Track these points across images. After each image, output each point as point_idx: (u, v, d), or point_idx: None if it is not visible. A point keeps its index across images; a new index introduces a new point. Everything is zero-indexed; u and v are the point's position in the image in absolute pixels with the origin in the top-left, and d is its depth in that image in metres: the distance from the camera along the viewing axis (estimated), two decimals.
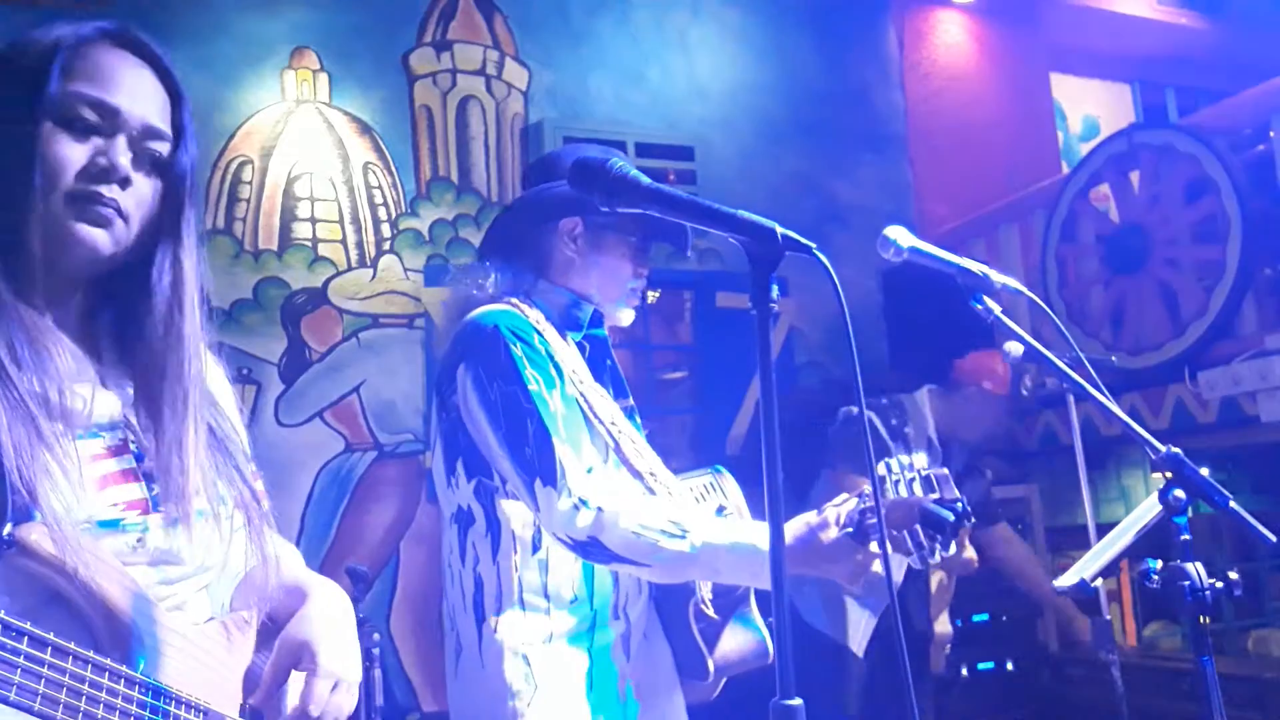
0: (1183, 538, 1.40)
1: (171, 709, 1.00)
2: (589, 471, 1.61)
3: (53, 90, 1.01)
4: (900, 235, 1.47)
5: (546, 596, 1.70)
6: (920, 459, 1.53)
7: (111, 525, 1.00)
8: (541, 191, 1.84)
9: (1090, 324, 4.03)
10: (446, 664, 1.79)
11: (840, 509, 1.52)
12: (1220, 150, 3.59)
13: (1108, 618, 3.18)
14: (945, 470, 1.51)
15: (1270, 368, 3.32)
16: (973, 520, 1.48)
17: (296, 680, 1.13)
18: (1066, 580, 1.70)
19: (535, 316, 1.74)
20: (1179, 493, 1.41)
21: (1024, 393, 3.25)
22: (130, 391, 1.07)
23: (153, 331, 1.07)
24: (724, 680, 1.82)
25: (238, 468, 1.14)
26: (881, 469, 1.55)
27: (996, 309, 1.54)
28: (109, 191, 1.01)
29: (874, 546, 1.49)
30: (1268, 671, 3.26)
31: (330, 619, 1.18)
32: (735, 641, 1.78)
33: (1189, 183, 3.70)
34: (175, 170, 1.08)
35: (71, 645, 0.91)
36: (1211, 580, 1.39)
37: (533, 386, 1.63)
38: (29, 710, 0.86)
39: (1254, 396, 3.40)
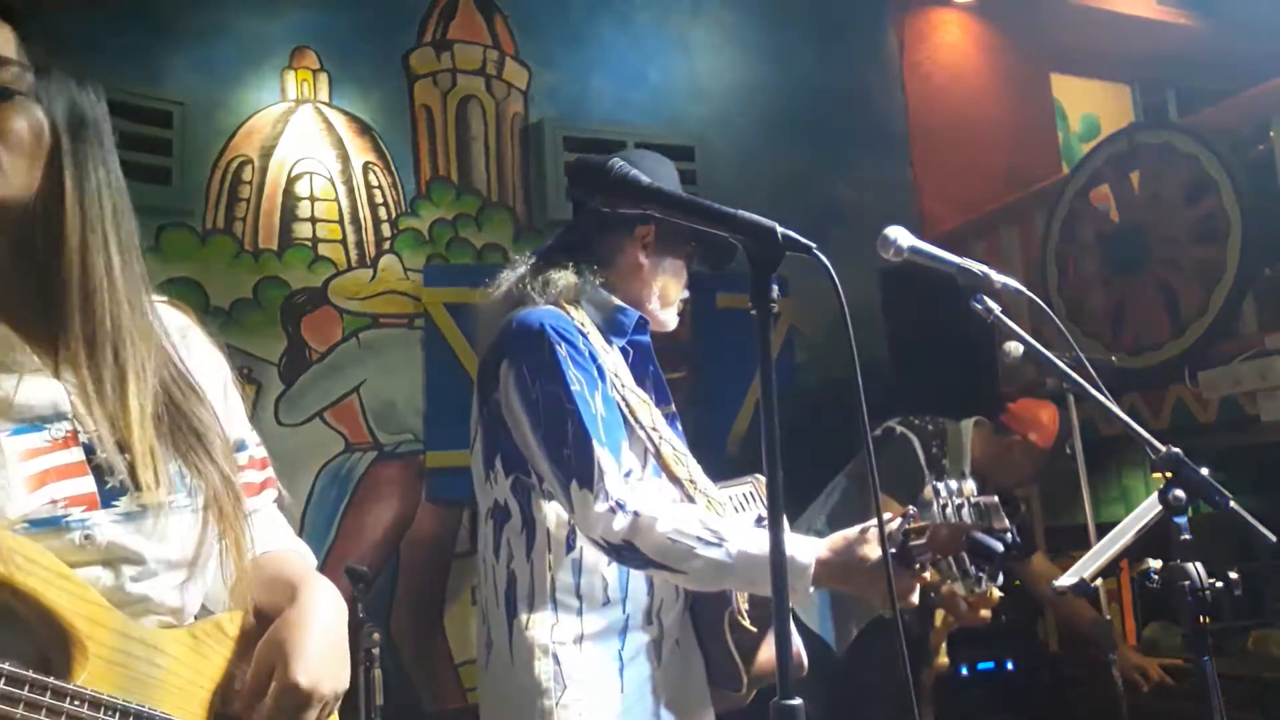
0: (1183, 538, 1.40)
1: None
2: (627, 475, 1.60)
3: None
4: (900, 235, 1.46)
5: (579, 597, 1.69)
6: (969, 486, 1.51)
7: (51, 524, 0.92)
8: None
9: (1090, 324, 4.03)
10: (478, 658, 1.79)
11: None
12: (1220, 150, 3.59)
13: (1108, 618, 3.18)
14: (995, 499, 1.49)
15: (1270, 368, 3.32)
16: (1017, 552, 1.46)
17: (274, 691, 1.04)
18: (1066, 580, 1.70)
19: (580, 319, 1.73)
20: (1179, 493, 1.41)
21: (1067, 450, 3.16)
22: (75, 378, 0.99)
23: (66, 290, 0.97)
24: (755, 690, 1.81)
25: (211, 457, 1.05)
26: (929, 492, 1.53)
27: (996, 309, 1.54)
28: None
29: (919, 570, 1.47)
30: (1268, 671, 3.26)
31: (315, 624, 1.07)
32: (771, 652, 1.77)
33: (1189, 183, 3.70)
34: (48, 99, 0.98)
35: (5, 666, 0.83)
36: (1211, 580, 1.39)
37: (575, 387, 1.62)
38: None
39: (1254, 396, 3.40)
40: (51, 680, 0.86)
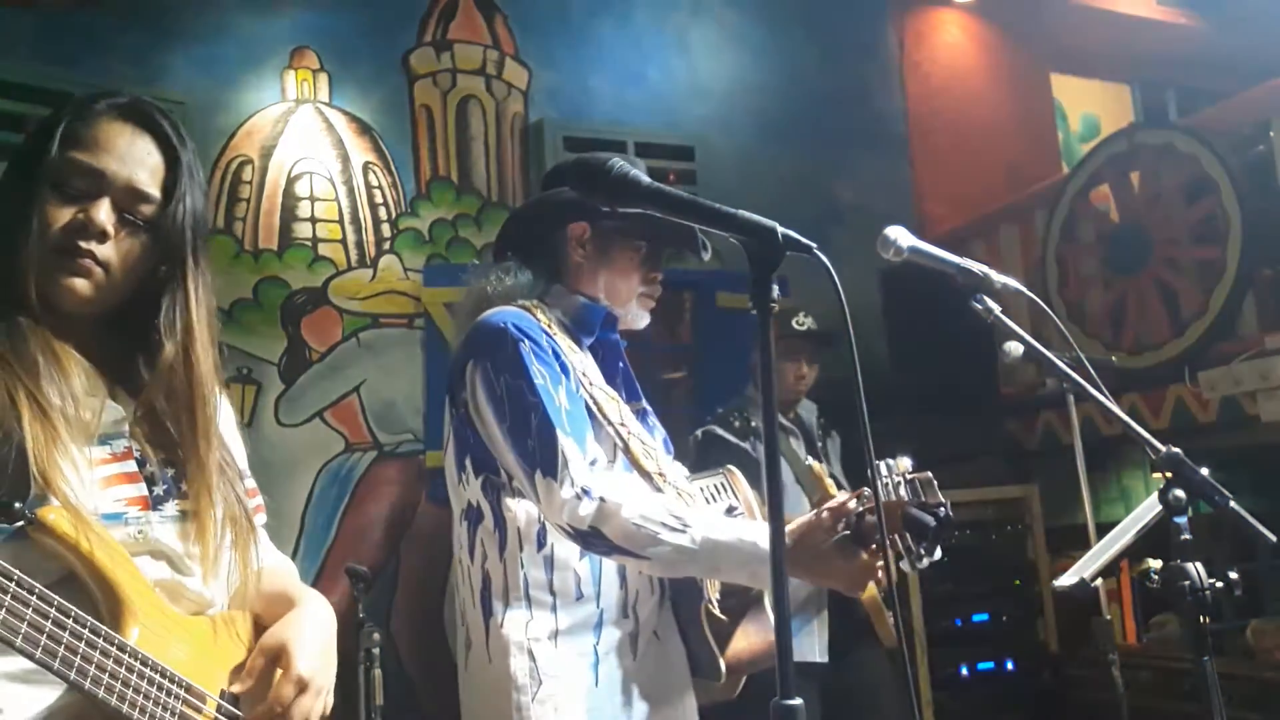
0: (1183, 538, 1.40)
1: (158, 678, 1.11)
2: (593, 464, 1.62)
3: (52, 155, 1.17)
4: (900, 235, 1.46)
5: (552, 593, 1.71)
6: (904, 462, 1.52)
7: (116, 518, 1.14)
8: (552, 195, 1.85)
9: (1090, 324, 4.03)
10: (457, 658, 1.80)
11: (835, 511, 1.51)
12: (1220, 150, 3.59)
13: (1108, 618, 3.17)
14: (929, 474, 1.50)
15: (1270, 368, 3.32)
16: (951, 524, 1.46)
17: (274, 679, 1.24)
18: (1066, 580, 1.69)
19: (546, 320, 1.75)
20: (1179, 493, 1.41)
21: (795, 324, 3.42)
22: (133, 407, 1.21)
23: (172, 375, 1.22)
24: (744, 680, 1.81)
25: (231, 484, 1.28)
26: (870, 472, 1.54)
27: (996, 309, 1.54)
28: (87, 245, 1.16)
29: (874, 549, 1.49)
30: (1268, 671, 3.27)
31: (312, 626, 1.30)
32: (748, 641, 1.78)
33: (1189, 183, 3.70)
34: (165, 228, 1.20)
35: (74, 609, 1.03)
36: (1211, 580, 1.39)
37: (539, 380, 1.64)
38: (30, 657, 0.98)
39: (1254, 396, 3.41)
40: (118, 637, 1.08)
